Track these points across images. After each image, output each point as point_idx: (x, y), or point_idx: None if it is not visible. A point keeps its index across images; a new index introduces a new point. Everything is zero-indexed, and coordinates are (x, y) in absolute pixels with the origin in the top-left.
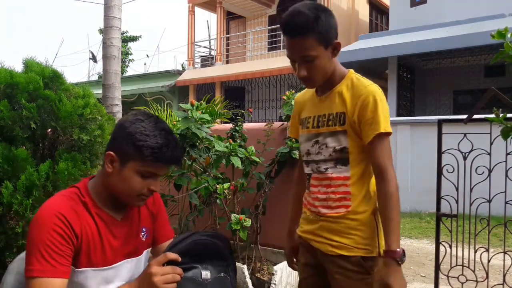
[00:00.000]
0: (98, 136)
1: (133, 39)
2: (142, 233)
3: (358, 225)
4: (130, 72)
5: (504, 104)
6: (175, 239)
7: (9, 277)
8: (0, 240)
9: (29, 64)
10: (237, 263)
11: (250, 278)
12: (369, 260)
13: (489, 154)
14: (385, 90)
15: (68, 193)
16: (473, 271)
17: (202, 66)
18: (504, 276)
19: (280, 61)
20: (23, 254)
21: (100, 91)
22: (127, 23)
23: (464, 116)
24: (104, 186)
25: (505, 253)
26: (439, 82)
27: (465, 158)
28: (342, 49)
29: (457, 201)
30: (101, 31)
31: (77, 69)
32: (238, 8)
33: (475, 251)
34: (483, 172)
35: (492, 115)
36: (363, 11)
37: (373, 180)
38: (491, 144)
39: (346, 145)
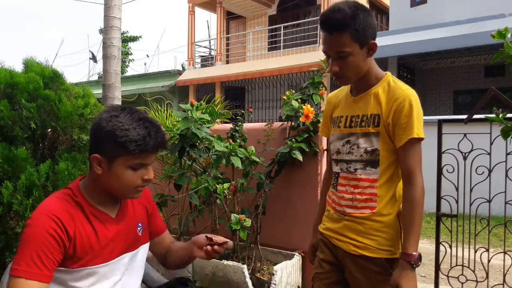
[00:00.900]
0: None
1: (133, 39)
2: (139, 228)
3: (382, 227)
4: (130, 72)
5: (504, 104)
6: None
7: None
8: (0, 240)
9: (29, 64)
10: (237, 263)
11: (250, 278)
12: (392, 262)
13: (489, 154)
14: None
15: (62, 194)
16: (473, 271)
17: (202, 66)
18: (504, 276)
19: (280, 61)
20: None
21: (100, 91)
22: (127, 23)
23: (464, 116)
24: (97, 185)
25: (505, 253)
26: (439, 82)
27: (465, 158)
28: None
29: (457, 201)
30: (101, 31)
31: (77, 69)
32: (238, 8)
33: (475, 251)
34: (483, 172)
35: (492, 115)
36: None
37: (400, 184)
38: (491, 144)
39: (378, 147)
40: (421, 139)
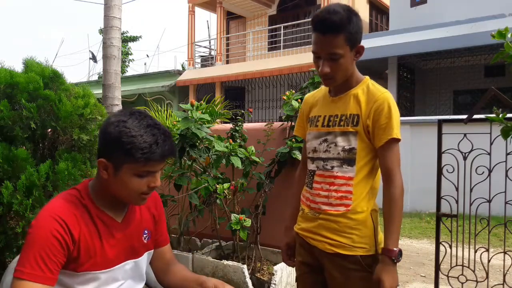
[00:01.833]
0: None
1: (133, 39)
2: (144, 235)
3: (356, 225)
4: (130, 72)
5: (504, 104)
6: None
7: (9, 277)
8: (0, 240)
9: (29, 64)
10: (237, 263)
11: (250, 278)
12: (367, 259)
13: (489, 154)
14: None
15: (69, 196)
16: (473, 271)
17: (202, 66)
18: (504, 276)
19: (280, 61)
20: None
21: (100, 91)
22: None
23: (464, 116)
24: (104, 189)
25: (505, 253)
26: (439, 82)
27: (465, 158)
28: None
29: (457, 201)
30: (101, 31)
31: (77, 69)
32: (238, 8)
33: (475, 251)
34: (483, 172)
35: (493, 115)
36: (363, 11)
37: (374, 182)
38: (491, 144)
39: (355, 146)
40: (399, 140)
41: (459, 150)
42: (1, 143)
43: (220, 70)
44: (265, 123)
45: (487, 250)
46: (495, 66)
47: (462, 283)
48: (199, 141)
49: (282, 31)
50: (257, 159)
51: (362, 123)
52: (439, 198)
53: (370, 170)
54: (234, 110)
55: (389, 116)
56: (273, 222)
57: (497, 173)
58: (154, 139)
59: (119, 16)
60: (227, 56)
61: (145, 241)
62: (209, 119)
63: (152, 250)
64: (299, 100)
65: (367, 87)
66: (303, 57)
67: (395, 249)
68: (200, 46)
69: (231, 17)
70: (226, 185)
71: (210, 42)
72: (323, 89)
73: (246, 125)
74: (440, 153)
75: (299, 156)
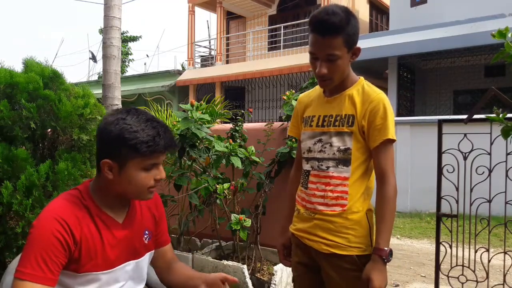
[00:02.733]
0: None
1: (133, 39)
2: (145, 236)
3: (352, 224)
4: (130, 72)
5: (504, 104)
6: None
7: (9, 277)
8: (0, 240)
9: (29, 64)
10: (237, 263)
11: (250, 278)
12: (363, 258)
13: (489, 154)
14: (385, 90)
15: (70, 196)
16: (473, 271)
17: (202, 66)
18: (504, 276)
19: (280, 61)
20: None
21: (100, 91)
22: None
23: (464, 116)
24: (105, 190)
25: (505, 253)
26: (439, 82)
27: (465, 158)
28: None
29: (457, 201)
30: (101, 31)
31: (77, 69)
32: (238, 8)
33: (475, 251)
34: (483, 172)
35: (493, 115)
36: (363, 11)
37: (369, 182)
38: (491, 144)
39: (350, 146)
40: (394, 140)
41: (459, 150)
42: (1, 143)
43: (220, 70)
44: (265, 123)
45: (487, 250)
46: (495, 66)
47: (462, 283)
48: (199, 141)
49: (282, 31)
50: (257, 159)
51: (357, 124)
52: (439, 198)
53: (365, 170)
54: (234, 110)
55: (384, 117)
56: (273, 222)
57: (497, 173)
58: (156, 131)
59: (119, 16)
60: (227, 56)
61: (146, 242)
62: (209, 119)
63: (153, 251)
64: None
65: (362, 88)
66: (303, 57)
67: (385, 248)
68: (200, 46)
69: (231, 17)
70: (226, 185)
71: (210, 42)
72: (317, 89)
73: (246, 125)
74: (440, 153)
75: None
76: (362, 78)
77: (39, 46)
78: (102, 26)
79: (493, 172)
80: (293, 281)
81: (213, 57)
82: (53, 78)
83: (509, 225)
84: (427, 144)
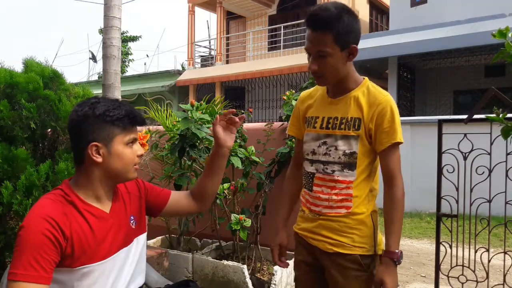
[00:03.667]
0: None
1: (133, 39)
2: (131, 222)
3: (356, 224)
4: (130, 72)
5: (504, 104)
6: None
7: None
8: (0, 240)
9: (29, 64)
10: (237, 263)
11: (250, 278)
12: (366, 258)
13: (489, 154)
14: (385, 90)
15: (53, 195)
16: (473, 271)
17: (202, 66)
18: (504, 276)
19: (280, 61)
20: None
21: (100, 91)
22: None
23: (464, 116)
24: (90, 180)
25: (505, 253)
26: (439, 82)
27: (465, 158)
28: None
29: (457, 201)
30: (101, 31)
31: (77, 69)
32: (238, 8)
33: (475, 251)
34: (483, 172)
35: (493, 115)
36: (363, 11)
37: (374, 183)
38: (491, 144)
39: (356, 150)
40: (401, 143)
41: (459, 150)
42: (1, 143)
43: (220, 70)
44: (265, 123)
45: (487, 250)
46: (495, 66)
47: (462, 283)
48: (199, 141)
49: (282, 31)
50: (257, 159)
51: (364, 127)
52: (439, 198)
53: (370, 173)
54: None
55: (392, 120)
56: (273, 222)
57: (497, 173)
58: (128, 107)
59: (119, 16)
60: (227, 56)
61: (133, 227)
62: (209, 119)
63: (142, 235)
64: None
65: (368, 89)
66: (303, 57)
67: (396, 251)
68: (200, 46)
69: (231, 17)
70: (226, 185)
71: (210, 42)
72: (320, 88)
73: (246, 125)
74: (440, 153)
75: None
76: (366, 78)
77: (39, 46)
78: (102, 26)
79: (493, 172)
80: (295, 280)
81: (213, 57)
82: (53, 78)
83: (509, 225)
84: (427, 144)
